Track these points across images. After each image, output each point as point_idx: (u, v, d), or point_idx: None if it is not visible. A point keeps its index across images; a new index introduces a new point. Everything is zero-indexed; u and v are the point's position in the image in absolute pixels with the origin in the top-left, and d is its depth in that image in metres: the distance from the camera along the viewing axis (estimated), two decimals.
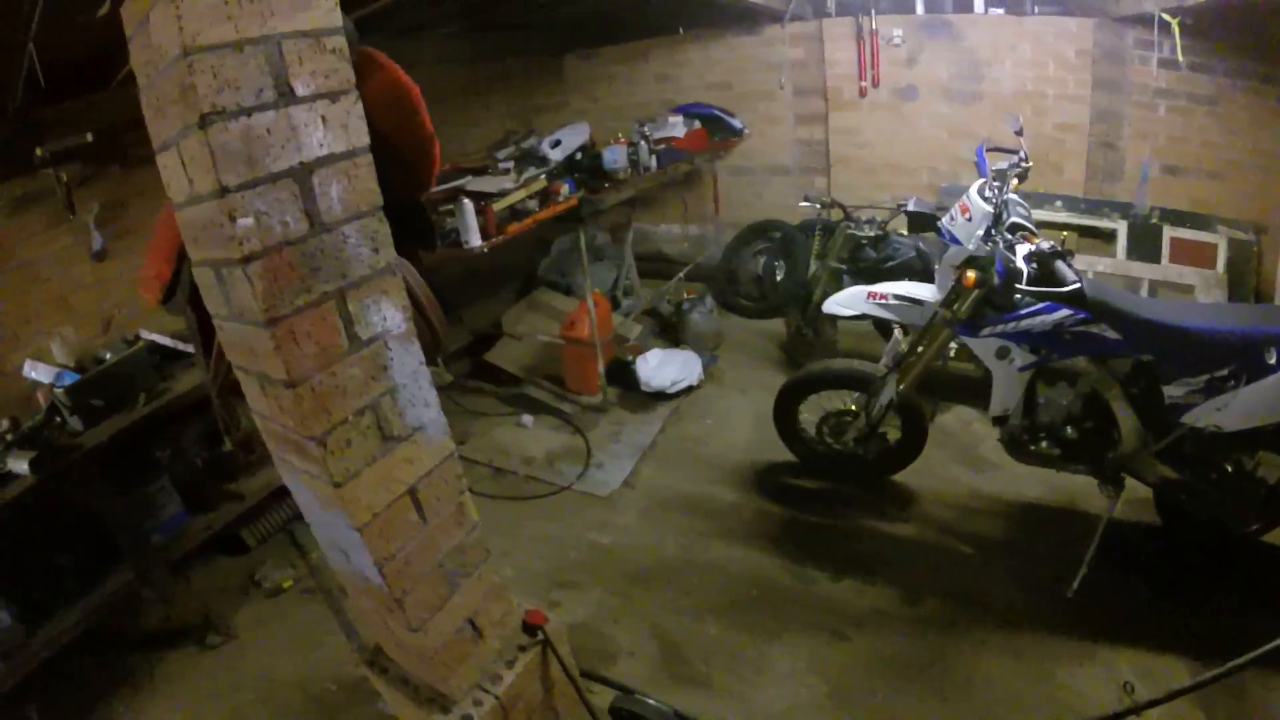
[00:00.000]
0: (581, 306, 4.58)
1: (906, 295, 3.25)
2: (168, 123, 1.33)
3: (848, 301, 3.42)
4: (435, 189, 3.85)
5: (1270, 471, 2.93)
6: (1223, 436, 2.77)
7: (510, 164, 4.04)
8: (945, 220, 3.06)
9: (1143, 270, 5.15)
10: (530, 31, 6.29)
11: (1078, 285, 2.64)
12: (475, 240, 3.50)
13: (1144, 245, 5.22)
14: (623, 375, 4.75)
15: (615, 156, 4.56)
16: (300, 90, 1.34)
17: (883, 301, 3.29)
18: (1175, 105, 5.18)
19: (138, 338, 3.57)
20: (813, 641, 2.86)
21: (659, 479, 3.95)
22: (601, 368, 4.57)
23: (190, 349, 3.21)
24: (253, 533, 3.65)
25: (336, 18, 1.37)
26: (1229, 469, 2.94)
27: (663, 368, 4.68)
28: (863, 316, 3.52)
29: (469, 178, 3.89)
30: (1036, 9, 5.47)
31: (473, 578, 1.90)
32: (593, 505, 3.77)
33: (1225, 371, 2.70)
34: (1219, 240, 5.12)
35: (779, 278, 5.55)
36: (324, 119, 1.39)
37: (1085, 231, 5.37)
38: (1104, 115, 5.38)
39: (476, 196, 3.56)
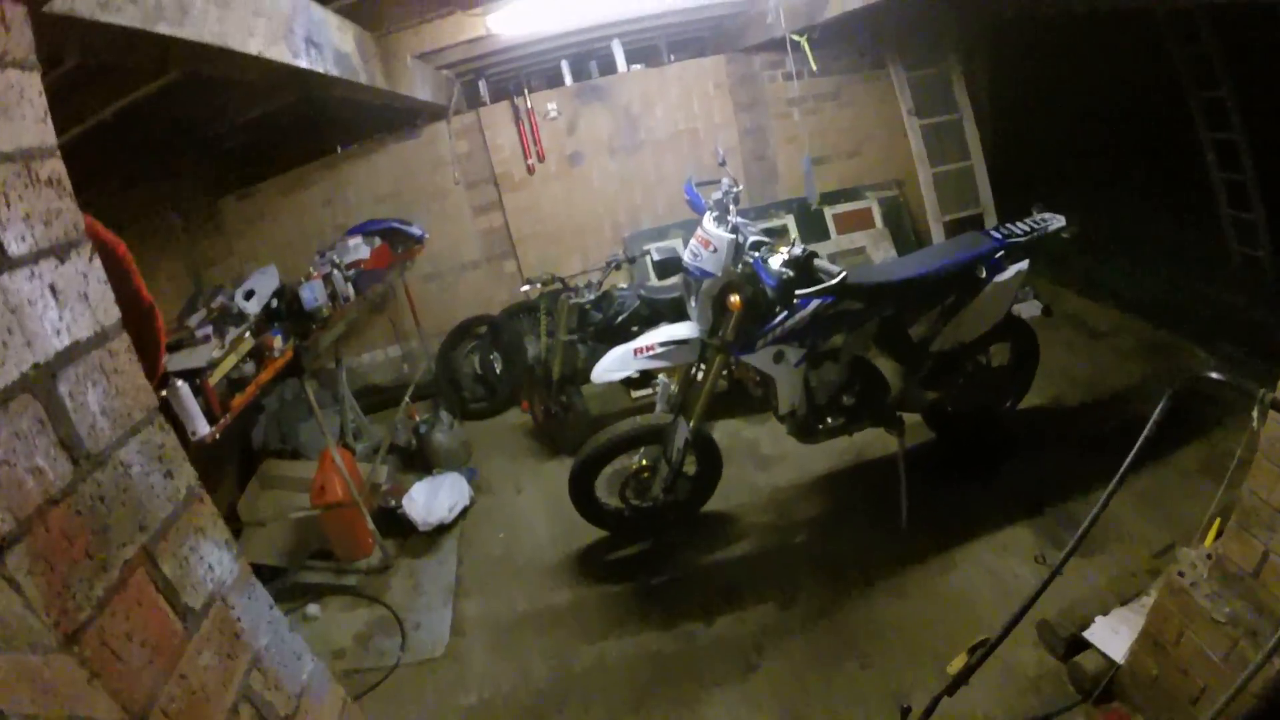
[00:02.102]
0: (325, 466, 3.93)
1: (672, 339, 3.31)
2: None
3: (617, 365, 3.39)
4: None
5: (1003, 357, 3.74)
6: (963, 348, 3.38)
7: (208, 329, 3.34)
8: (689, 258, 3.15)
9: (819, 248, 5.79)
10: (182, 180, 5.44)
11: (844, 274, 2.83)
12: (203, 427, 2.78)
13: (813, 229, 6.02)
14: (392, 523, 4.19)
15: (314, 294, 4.03)
16: (14, 247, 0.82)
17: (652, 353, 3.32)
18: (807, 107, 6.12)
19: None
20: (733, 687, 2.77)
21: (487, 612, 3.51)
22: (370, 524, 3.95)
23: None
24: None
25: (49, 132, 0.89)
26: (973, 371, 3.63)
27: (433, 499, 4.20)
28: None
29: (168, 357, 3.15)
30: (673, 57, 6.07)
31: None
32: (435, 669, 3.22)
33: (951, 299, 3.29)
34: (871, 203, 6.17)
35: (499, 370, 5.41)
36: (54, 290, 0.87)
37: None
38: (750, 132, 6.10)
39: (186, 376, 2.86)
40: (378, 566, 3.99)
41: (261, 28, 2.07)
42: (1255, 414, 1.58)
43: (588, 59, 5.99)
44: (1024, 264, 3.28)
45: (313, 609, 3.79)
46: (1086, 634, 2.46)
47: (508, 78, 5.91)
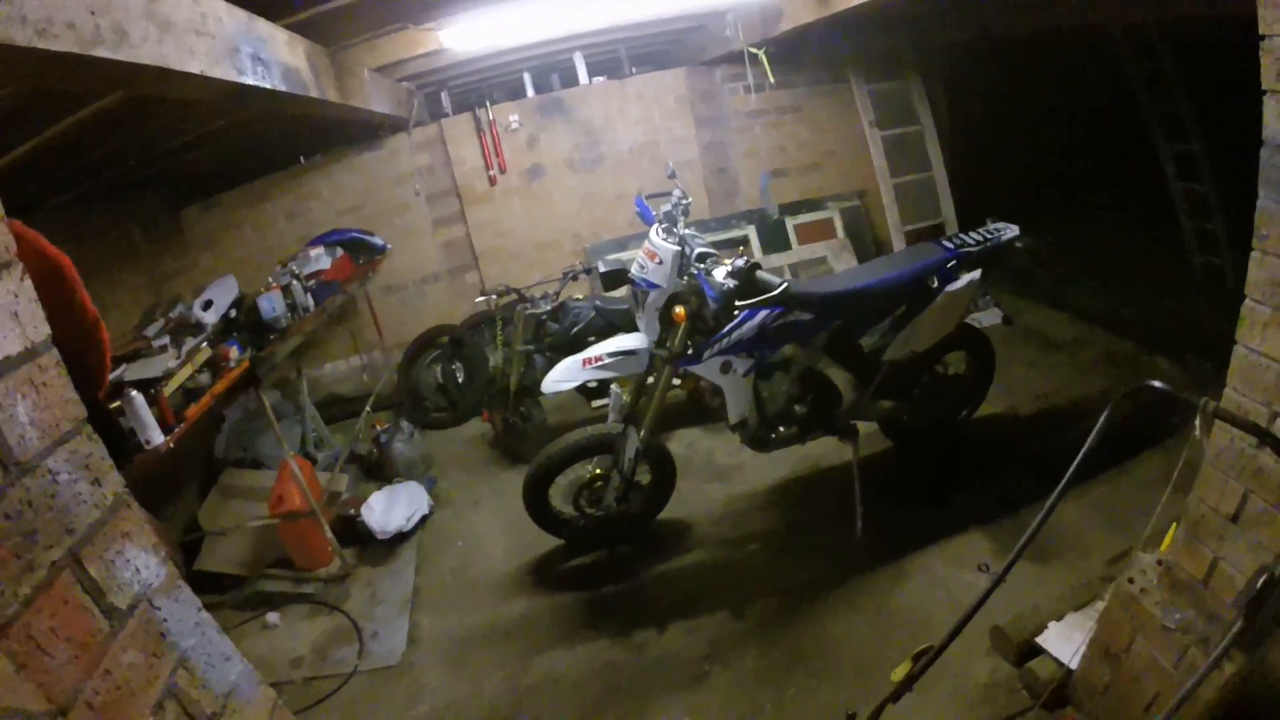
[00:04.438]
0: (283, 477, 3.94)
1: (620, 350, 3.36)
2: None
3: (565, 375, 3.44)
4: None
5: (959, 366, 3.79)
6: (918, 357, 3.39)
7: (165, 339, 3.34)
8: (635, 270, 3.21)
9: (781, 259, 6.06)
10: (145, 190, 5.44)
11: (785, 284, 2.94)
12: (156, 436, 2.78)
13: (775, 240, 6.14)
14: (351, 532, 4.20)
15: (273, 305, 4.04)
16: None
17: (600, 364, 3.36)
18: (768, 120, 6.24)
19: None
20: (682, 696, 2.79)
21: (443, 623, 3.52)
22: (329, 533, 3.95)
23: None
24: None
25: None
26: (928, 380, 3.68)
27: (390, 509, 4.22)
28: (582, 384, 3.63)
29: (124, 366, 3.14)
30: (634, 70, 6.10)
31: None
32: (390, 679, 3.23)
33: (902, 309, 3.34)
34: (832, 214, 6.27)
35: (460, 380, 5.45)
36: None
37: (723, 245, 6.09)
38: (710, 146, 6.21)
39: (142, 385, 2.86)
40: (337, 575, 3.98)
41: (204, 47, 2.10)
42: (1198, 423, 1.56)
43: (550, 71, 6.05)
44: (976, 274, 3.30)
45: (272, 617, 3.78)
46: (1039, 639, 2.46)
47: (470, 89, 5.94)
